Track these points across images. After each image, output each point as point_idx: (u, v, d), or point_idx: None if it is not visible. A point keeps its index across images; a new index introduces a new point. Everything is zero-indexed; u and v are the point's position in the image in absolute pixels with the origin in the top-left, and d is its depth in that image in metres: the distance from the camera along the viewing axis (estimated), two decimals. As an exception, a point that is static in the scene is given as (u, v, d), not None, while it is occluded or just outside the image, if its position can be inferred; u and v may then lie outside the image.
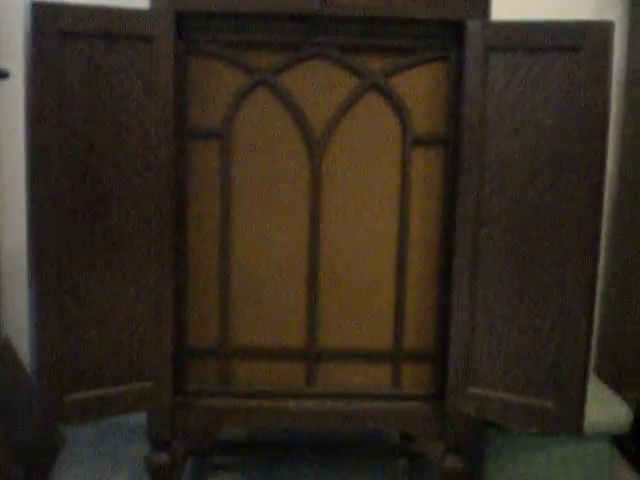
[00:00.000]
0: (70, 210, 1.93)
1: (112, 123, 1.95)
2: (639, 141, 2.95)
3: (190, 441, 2.69)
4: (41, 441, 2.73)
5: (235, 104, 2.08)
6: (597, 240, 1.94)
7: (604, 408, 2.55)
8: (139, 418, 2.25)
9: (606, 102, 1.89)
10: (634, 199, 2.99)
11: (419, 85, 2.09)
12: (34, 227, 1.90)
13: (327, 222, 2.14)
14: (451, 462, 2.23)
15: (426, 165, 2.12)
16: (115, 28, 1.91)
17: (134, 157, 1.97)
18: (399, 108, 2.09)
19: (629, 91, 2.95)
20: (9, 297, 3.04)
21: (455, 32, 2.04)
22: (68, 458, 2.84)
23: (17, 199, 2.91)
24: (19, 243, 2.97)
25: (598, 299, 3.08)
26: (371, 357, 2.21)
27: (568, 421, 2.03)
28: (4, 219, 2.99)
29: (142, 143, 1.98)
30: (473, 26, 1.98)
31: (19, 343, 2.96)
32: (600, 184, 1.91)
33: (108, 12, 1.91)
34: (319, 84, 2.09)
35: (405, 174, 2.12)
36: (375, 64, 2.08)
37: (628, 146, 2.98)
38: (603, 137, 1.90)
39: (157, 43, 1.95)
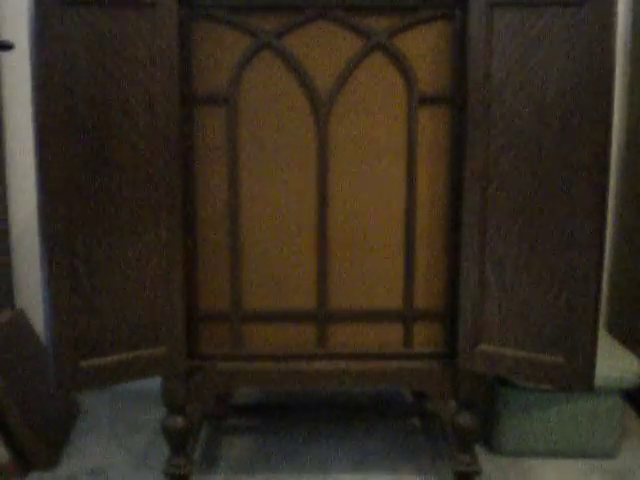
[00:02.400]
0: (78, 178, 1.94)
1: (117, 89, 1.95)
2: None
3: (205, 405, 2.73)
4: (58, 410, 2.76)
5: (240, 68, 2.08)
6: (605, 195, 1.94)
7: (615, 363, 2.57)
8: (154, 383, 2.27)
9: (611, 56, 1.88)
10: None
11: (424, 44, 2.09)
12: (43, 197, 1.91)
13: (335, 184, 2.15)
14: (463, 419, 2.25)
15: (432, 124, 2.12)
16: (118, -6, 1.91)
17: (140, 124, 1.98)
18: (404, 68, 2.08)
19: (635, 44, 2.93)
20: (22, 269, 3.06)
21: (459, -11, 2.04)
22: (85, 426, 2.88)
23: (26, 170, 2.92)
24: (29, 214, 2.98)
25: (608, 255, 3.09)
26: (382, 317, 2.23)
27: (579, 376, 2.04)
28: (13, 191, 3.01)
29: (147, 109, 1.98)
30: (476, -18, 1.97)
31: (33, 314, 2.99)
32: (607, 137, 1.91)
33: (110, -22, 1.91)
34: (324, 46, 2.08)
35: (411, 133, 2.11)
36: (379, 24, 2.07)
37: (635, 99, 2.96)
38: (609, 91, 1.90)
39: (160, 9, 1.95)
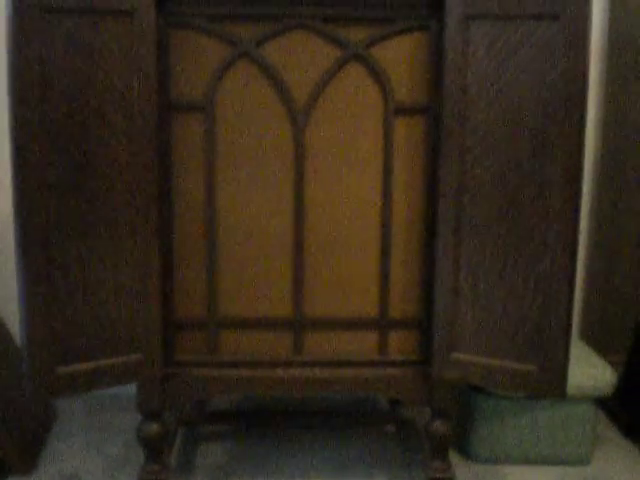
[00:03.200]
0: (55, 184, 1.94)
1: (95, 97, 1.95)
2: (620, 106, 2.97)
3: (181, 411, 2.73)
4: (34, 415, 2.75)
5: (217, 76, 2.09)
6: (578, 205, 1.96)
7: (588, 371, 2.60)
8: (131, 389, 2.27)
9: (585, 69, 1.90)
10: (617, 164, 3.02)
11: (400, 55, 2.10)
12: (20, 202, 1.91)
13: (311, 192, 2.16)
14: (437, 426, 2.27)
15: (408, 134, 2.14)
16: (96, 3, 1.91)
17: (117, 130, 1.98)
18: (380, 78, 2.10)
19: (610, 57, 2.97)
20: (-2, 273, 3.05)
21: (435, 1, 2.05)
22: (61, 431, 2.87)
23: (2, 174, 2.91)
24: (5, 218, 2.97)
25: (582, 264, 3.12)
26: (357, 325, 2.24)
27: (551, 384, 2.06)
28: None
29: (125, 116, 1.99)
30: (452, -5, 2.00)
31: (9, 319, 2.98)
32: (580, 150, 1.93)
33: (88, -14, 1.91)
34: (301, 55, 2.10)
35: (388, 143, 2.13)
36: (356, 35, 2.09)
37: (610, 111, 3.00)
38: (582, 103, 1.92)
39: (138, 17, 1.96)
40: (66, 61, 1.91)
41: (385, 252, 2.19)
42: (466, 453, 2.71)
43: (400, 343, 2.26)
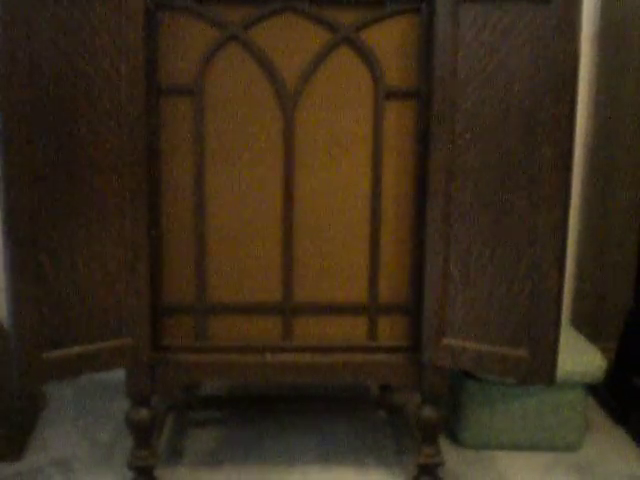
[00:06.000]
0: (43, 168, 1.92)
1: (83, 80, 1.94)
2: (611, 91, 2.97)
3: (170, 397, 2.72)
4: (22, 401, 2.74)
5: (206, 59, 2.08)
6: (568, 191, 1.96)
7: (579, 357, 2.60)
8: (119, 374, 2.27)
9: (575, 53, 1.89)
10: (608, 150, 3.01)
11: (390, 38, 2.09)
12: (7, 186, 1.89)
13: (301, 176, 2.15)
14: (428, 412, 2.27)
15: (399, 118, 2.13)
16: (83, -16, 1.90)
17: (105, 114, 1.97)
18: (371, 62, 2.09)
19: (601, 41, 2.96)
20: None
21: (425, -16, 2.04)
22: (50, 417, 2.86)
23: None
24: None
25: (573, 250, 3.12)
26: (347, 310, 2.23)
27: (541, 370, 2.06)
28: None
29: (113, 100, 1.97)
30: (443, -23, 1.98)
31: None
32: (570, 134, 1.93)
33: (75, -32, 1.89)
34: (290, 38, 2.08)
35: (378, 127, 2.12)
36: (346, 18, 2.07)
37: (601, 96, 2.99)
38: (573, 88, 1.91)
39: (126, -2, 1.94)
40: (53, 44, 1.90)
41: (375, 237, 2.18)
42: (456, 439, 2.71)
43: (390, 328, 2.25)
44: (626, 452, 2.69)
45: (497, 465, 2.58)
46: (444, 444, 2.63)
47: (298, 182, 2.15)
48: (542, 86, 1.93)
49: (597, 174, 3.05)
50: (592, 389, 2.90)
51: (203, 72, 2.08)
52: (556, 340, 2.03)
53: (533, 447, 2.66)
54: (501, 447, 2.67)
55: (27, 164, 1.90)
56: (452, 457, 2.60)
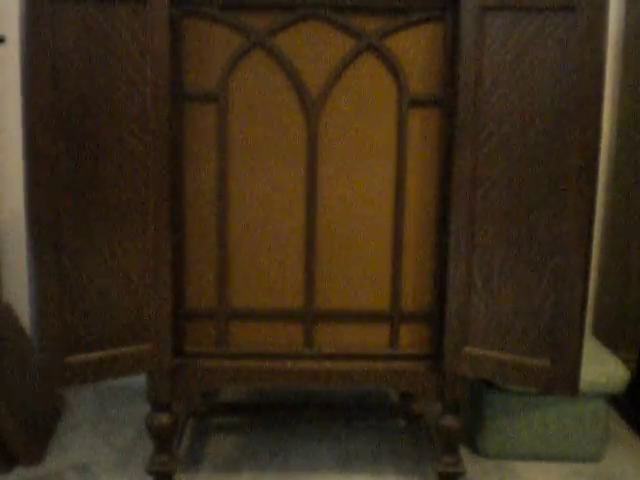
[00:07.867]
0: (67, 173, 1.93)
1: (107, 85, 1.94)
2: (637, 98, 2.94)
3: (190, 402, 2.72)
4: (43, 405, 2.75)
5: (231, 66, 2.08)
6: (592, 201, 1.95)
7: (601, 368, 2.58)
8: (140, 379, 2.27)
9: (601, 61, 1.88)
10: (632, 157, 2.99)
11: (415, 46, 2.09)
12: (31, 192, 1.91)
13: (323, 183, 2.15)
14: (448, 420, 2.25)
15: (423, 126, 2.12)
16: (109, -10, 1.91)
17: (130, 119, 1.97)
18: (395, 69, 2.09)
19: (628, 48, 2.94)
20: (9, 264, 3.05)
21: (450, -8, 2.04)
22: (70, 421, 2.87)
23: (14, 165, 2.91)
24: (17, 209, 2.97)
25: (596, 260, 3.10)
26: (369, 318, 2.23)
27: (564, 380, 2.04)
28: (2, 186, 3.00)
29: (138, 105, 1.98)
30: (468, -15, 1.98)
31: (20, 309, 2.98)
32: (595, 143, 1.91)
33: (101, -26, 1.90)
34: (315, 45, 2.08)
35: (401, 135, 2.12)
36: (370, 25, 2.07)
37: (627, 104, 2.97)
38: (599, 96, 1.90)
39: (151, 5, 1.94)
40: (78, 49, 1.90)
41: (398, 245, 2.17)
42: (476, 448, 2.69)
43: (412, 336, 2.24)
44: (647, 464, 2.67)
45: (517, 475, 2.57)
46: (463, 453, 2.62)
47: (321, 188, 2.15)
48: (567, 94, 1.91)
49: (621, 181, 3.03)
50: (613, 400, 2.88)
51: (227, 78, 2.09)
52: (580, 350, 2.02)
53: (553, 457, 2.64)
54: (521, 457, 2.65)
55: (51, 170, 1.91)
56: (472, 467, 2.59)
